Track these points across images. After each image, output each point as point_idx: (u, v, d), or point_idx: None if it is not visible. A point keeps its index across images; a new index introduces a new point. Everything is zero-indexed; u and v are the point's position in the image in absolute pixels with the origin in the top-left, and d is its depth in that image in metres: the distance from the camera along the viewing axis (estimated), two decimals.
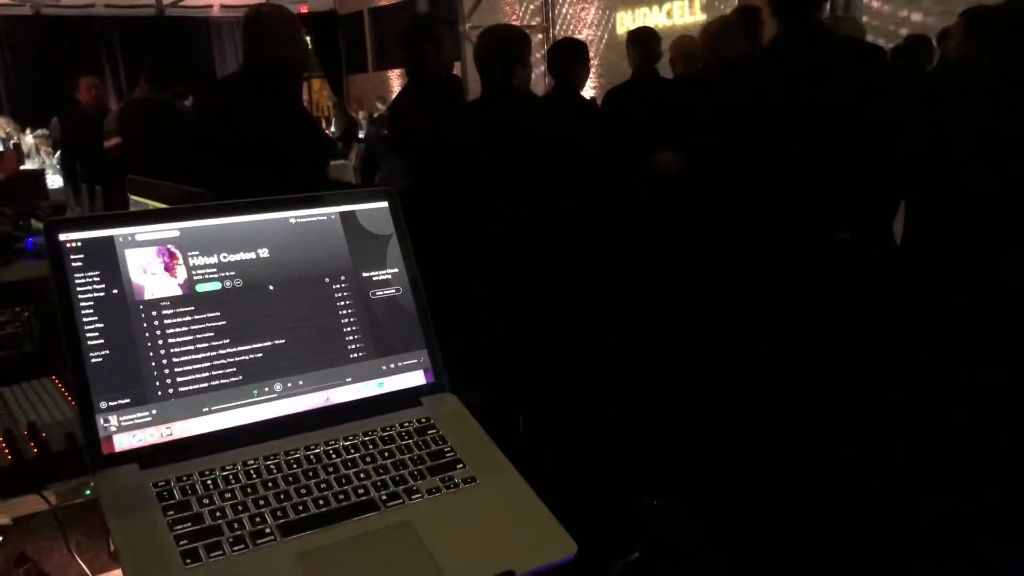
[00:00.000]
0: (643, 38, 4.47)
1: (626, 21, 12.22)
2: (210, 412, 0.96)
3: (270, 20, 2.95)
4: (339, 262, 1.08)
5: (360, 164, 9.13)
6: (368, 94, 15.60)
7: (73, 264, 0.94)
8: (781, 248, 2.94)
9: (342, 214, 1.10)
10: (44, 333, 2.03)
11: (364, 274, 1.09)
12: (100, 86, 5.95)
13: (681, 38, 5.04)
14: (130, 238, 0.98)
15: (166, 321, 0.96)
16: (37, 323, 2.06)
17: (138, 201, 1.71)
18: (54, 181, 7.83)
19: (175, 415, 0.94)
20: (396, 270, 1.11)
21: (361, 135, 10.54)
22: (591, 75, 12.29)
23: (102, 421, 0.91)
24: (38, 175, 6.33)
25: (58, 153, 9.41)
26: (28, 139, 10.49)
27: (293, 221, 1.07)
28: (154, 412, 0.94)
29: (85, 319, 0.93)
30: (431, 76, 3.59)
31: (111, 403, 0.92)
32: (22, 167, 7.17)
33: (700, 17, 11.26)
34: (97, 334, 0.93)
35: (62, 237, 0.95)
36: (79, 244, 0.95)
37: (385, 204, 1.13)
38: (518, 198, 3.17)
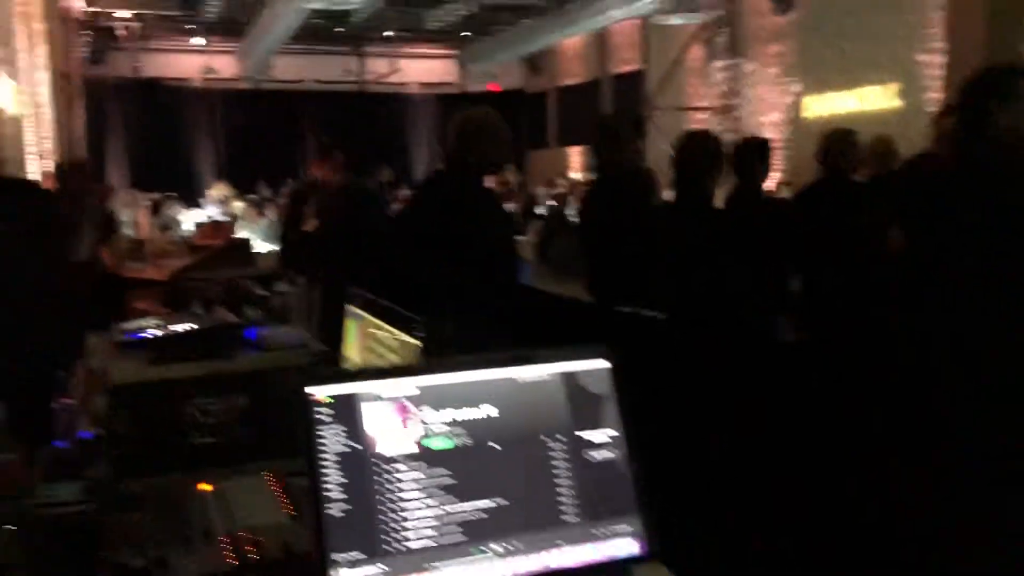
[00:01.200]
0: (838, 143, 4.36)
1: (814, 106, 11.96)
2: (432, 570, 0.99)
3: (479, 123, 3.23)
4: (559, 422, 1.10)
5: (538, 240, 9.30)
6: (548, 169, 15.97)
7: (318, 417, 1.01)
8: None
9: (564, 374, 1.13)
10: (260, 425, 2.17)
11: (581, 435, 1.11)
12: (333, 167, 6.14)
13: (876, 139, 4.89)
14: (371, 394, 1.04)
15: (399, 477, 1.01)
16: (253, 414, 2.21)
17: (358, 314, 1.82)
18: (261, 247, 8.44)
19: (402, 570, 0.98)
20: (613, 432, 1.12)
21: (540, 211, 10.76)
22: (777, 159, 12.08)
23: (334, 574, 0.96)
24: (245, 244, 6.83)
25: (265, 220, 10.16)
26: (238, 205, 11.39)
27: (518, 380, 1.10)
28: (382, 567, 0.98)
29: (324, 472, 0.99)
30: (618, 172, 3.66)
31: (344, 556, 0.97)
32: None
33: (895, 103, 10.86)
34: (336, 487, 0.98)
35: (310, 390, 1.02)
36: (326, 399, 1.02)
37: (605, 365, 1.15)
38: (710, 303, 3.15)
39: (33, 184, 5.83)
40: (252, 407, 2.23)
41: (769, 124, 12.68)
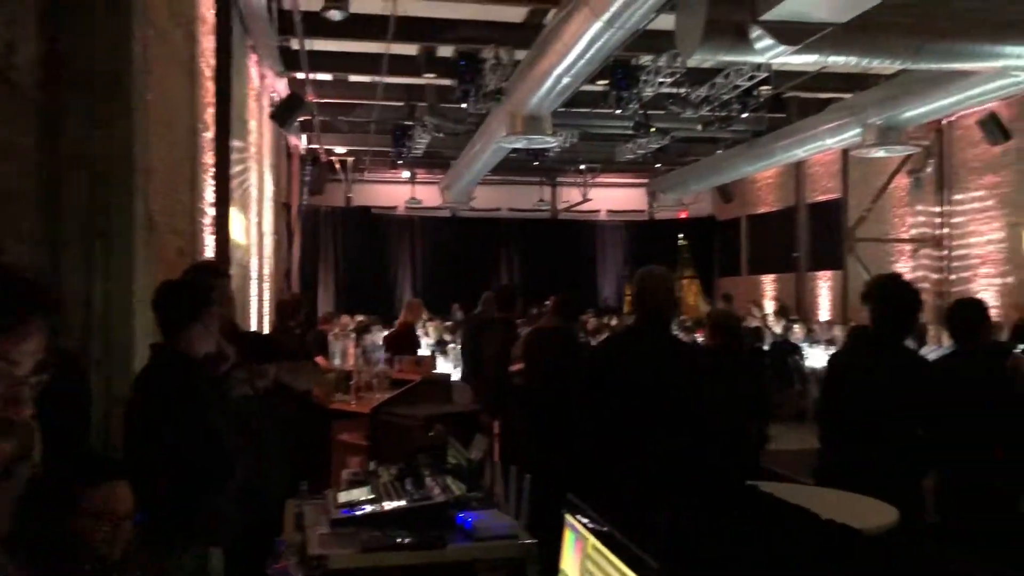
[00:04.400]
0: None
1: None
2: None
3: (649, 281, 3.50)
4: None
5: None
6: (739, 297, 15.64)
7: None
8: None
9: None
10: None
11: None
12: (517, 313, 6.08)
13: None
14: None
15: None
16: None
17: (579, 531, 1.77)
18: (455, 374, 8.62)
19: None
20: None
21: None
22: (993, 293, 11.24)
23: None
24: (444, 380, 6.95)
25: (458, 347, 10.43)
26: (433, 328, 11.79)
27: None
28: None
29: None
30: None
31: None
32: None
33: None
34: None
35: None
36: None
37: None
38: None
39: (257, 335, 6.25)
40: None
41: (980, 258, 11.89)
